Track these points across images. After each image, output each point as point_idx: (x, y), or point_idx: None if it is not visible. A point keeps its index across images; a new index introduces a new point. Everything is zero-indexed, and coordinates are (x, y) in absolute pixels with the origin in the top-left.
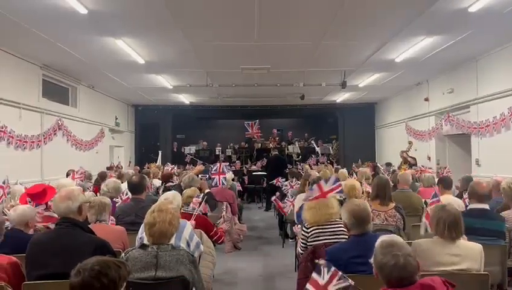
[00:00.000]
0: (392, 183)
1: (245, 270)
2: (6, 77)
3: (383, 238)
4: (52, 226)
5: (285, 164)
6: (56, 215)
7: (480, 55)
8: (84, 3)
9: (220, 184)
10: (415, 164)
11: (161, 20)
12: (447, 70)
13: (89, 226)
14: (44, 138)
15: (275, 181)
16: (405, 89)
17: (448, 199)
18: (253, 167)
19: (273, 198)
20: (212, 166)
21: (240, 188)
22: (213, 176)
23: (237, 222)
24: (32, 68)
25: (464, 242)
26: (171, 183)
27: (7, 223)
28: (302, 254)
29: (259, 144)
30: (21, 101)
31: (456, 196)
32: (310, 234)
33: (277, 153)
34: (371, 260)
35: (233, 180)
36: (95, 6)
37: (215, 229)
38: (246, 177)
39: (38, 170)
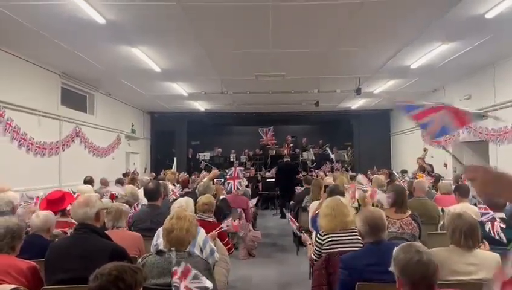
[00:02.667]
0: (407, 191)
1: (259, 277)
2: (26, 85)
3: (401, 244)
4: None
5: (297, 170)
6: (74, 221)
7: (498, 61)
8: (103, 14)
9: (234, 189)
10: (432, 171)
11: (177, 29)
12: (464, 76)
13: (106, 232)
14: (62, 145)
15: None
16: (421, 96)
17: (465, 207)
18: (268, 174)
19: (287, 215)
20: (227, 171)
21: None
22: (228, 181)
23: (252, 228)
24: (52, 76)
25: (480, 251)
26: (187, 190)
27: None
28: (315, 260)
29: (274, 151)
30: (41, 109)
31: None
32: (324, 242)
33: (288, 159)
34: (391, 268)
35: (247, 186)
36: (114, 16)
37: (227, 239)
38: (260, 184)
39: (56, 176)
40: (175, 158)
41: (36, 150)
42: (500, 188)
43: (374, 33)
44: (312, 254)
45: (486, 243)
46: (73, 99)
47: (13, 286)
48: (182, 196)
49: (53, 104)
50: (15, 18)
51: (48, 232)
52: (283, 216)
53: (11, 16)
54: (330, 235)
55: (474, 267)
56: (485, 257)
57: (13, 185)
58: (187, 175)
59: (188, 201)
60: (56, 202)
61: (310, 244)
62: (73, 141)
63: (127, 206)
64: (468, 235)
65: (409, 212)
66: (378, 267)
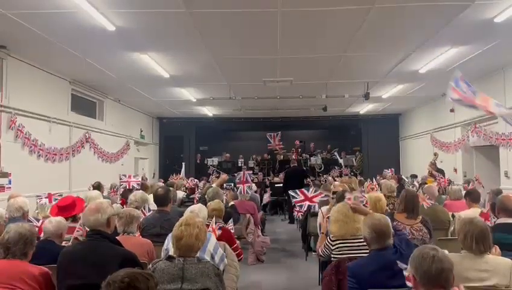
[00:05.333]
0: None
1: (268, 283)
2: (37, 92)
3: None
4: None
5: (305, 175)
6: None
7: (507, 66)
8: (113, 21)
9: (244, 193)
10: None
11: (186, 35)
12: (473, 80)
13: (117, 237)
14: (72, 151)
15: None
16: (430, 100)
17: (476, 212)
18: (276, 179)
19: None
20: (236, 175)
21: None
22: (238, 185)
23: (260, 234)
24: (62, 83)
25: (492, 257)
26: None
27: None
28: (321, 256)
29: (282, 156)
30: (51, 115)
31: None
32: (334, 247)
33: (295, 164)
34: (407, 270)
35: (255, 192)
36: (123, 23)
37: (236, 244)
38: (268, 189)
39: (66, 182)
40: (183, 163)
41: (47, 156)
42: None
43: (383, 38)
44: (319, 249)
45: (496, 247)
46: (83, 105)
47: None
48: (184, 202)
49: (63, 110)
50: (26, 26)
51: (60, 238)
52: (292, 221)
53: (22, 24)
54: (340, 241)
55: (487, 273)
56: (497, 262)
57: (24, 191)
58: (196, 180)
59: (200, 208)
60: (67, 208)
61: (322, 233)
62: (83, 146)
63: (138, 211)
64: (480, 240)
65: (421, 218)
66: (385, 273)
